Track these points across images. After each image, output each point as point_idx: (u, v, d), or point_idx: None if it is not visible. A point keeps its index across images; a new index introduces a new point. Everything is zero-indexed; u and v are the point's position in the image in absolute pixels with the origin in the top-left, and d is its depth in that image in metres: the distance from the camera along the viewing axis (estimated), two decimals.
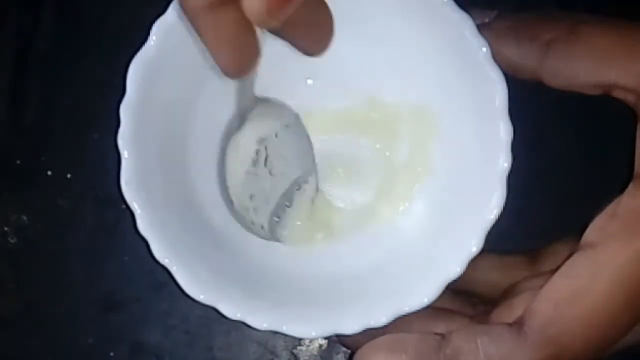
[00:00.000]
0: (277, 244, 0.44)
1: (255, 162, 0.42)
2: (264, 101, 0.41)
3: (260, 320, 0.40)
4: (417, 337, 0.39)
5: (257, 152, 0.42)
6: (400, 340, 0.39)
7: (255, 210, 0.43)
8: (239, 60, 0.32)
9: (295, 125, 0.43)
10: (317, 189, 0.44)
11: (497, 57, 0.39)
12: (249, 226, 0.43)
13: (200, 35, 0.31)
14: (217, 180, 0.42)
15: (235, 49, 0.31)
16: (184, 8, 0.30)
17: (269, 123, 0.42)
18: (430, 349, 0.38)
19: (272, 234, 0.44)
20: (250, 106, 0.41)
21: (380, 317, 0.39)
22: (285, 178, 0.44)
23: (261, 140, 0.42)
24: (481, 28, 0.39)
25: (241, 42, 0.31)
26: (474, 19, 0.39)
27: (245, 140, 0.42)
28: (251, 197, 0.42)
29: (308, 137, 0.44)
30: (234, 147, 0.41)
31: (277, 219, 0.44)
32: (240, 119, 0.41)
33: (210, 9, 0.30)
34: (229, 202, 0.42)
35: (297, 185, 0.44)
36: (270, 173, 0.43)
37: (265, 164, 0.42)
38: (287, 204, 0.44)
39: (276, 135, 0.42)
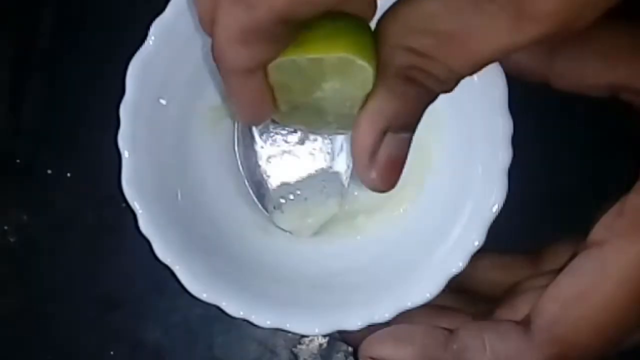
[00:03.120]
0: (279, 241, 0.44)
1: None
2: None
3: (263, 318, 0.40)
4: (424, 329, 0.39)
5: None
6: (407, 332, 0.39)
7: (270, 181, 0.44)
8: (258, 116, 0.35)
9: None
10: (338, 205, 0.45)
11: (504, 61, 0.39)
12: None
13: (227, 90, 0.34)
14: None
15: (256, 107, 0.34)
16: (219, 67, 0.33)
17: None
18: (437, 342, 0.38)
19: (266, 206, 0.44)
20: None
21: (383, 313, 0.39)
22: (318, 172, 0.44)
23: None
24: None
25: (262, 103, 0.34)
26: None
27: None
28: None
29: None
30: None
31: (283, 201, 0.44)
32: None
33: (243, 73, 0.32)
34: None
35: (323, 184, 0.44)
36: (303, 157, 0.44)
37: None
38: (304, 194, 0.44)
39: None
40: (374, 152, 0.32)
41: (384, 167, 0.32)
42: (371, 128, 0.31)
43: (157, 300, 0.50)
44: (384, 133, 0.31)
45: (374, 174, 0.32)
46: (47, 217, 0.50)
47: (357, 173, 0.33)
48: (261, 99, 0.34)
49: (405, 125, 0.32)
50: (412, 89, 0.32)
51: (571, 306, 0.36)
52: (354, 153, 0.32)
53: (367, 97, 0.32)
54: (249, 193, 0.45)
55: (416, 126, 0.33)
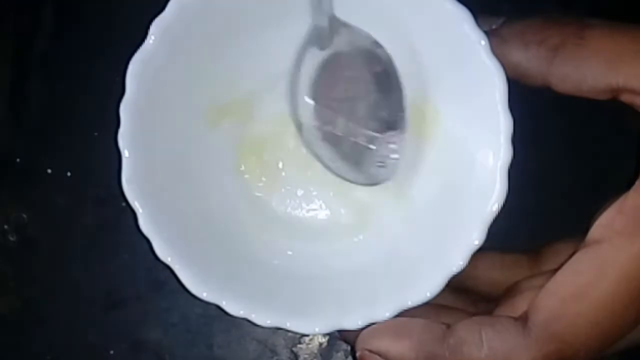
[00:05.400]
0: (280, 240, 0.44)
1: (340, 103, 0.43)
2: (347, 27, 0.41)
3: (263, 317, 0.40)
4: (421, 323, 0.39)
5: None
6: (405, 326, 0.39)
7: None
8: None
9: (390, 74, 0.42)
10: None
11: (505, 63, 0.39)
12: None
13: None
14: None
15: None
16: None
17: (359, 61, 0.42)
18: (434, 336, 0.38)
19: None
20: (329, 29, 0.41)
21: (383, 312, 0.39)
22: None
23: (349, 79, 0.43)
24: (488, 34, 0.39)
25: None
26: (480, 26, 0.39)
27: (332, 68, 0.42)
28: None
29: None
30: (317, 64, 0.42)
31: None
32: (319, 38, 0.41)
33: None
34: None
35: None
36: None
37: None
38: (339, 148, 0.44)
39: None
40: None
41: None
42: None
43: (157, 300, 0.50)
44: None
45: None
46: (47, 217, 0.50)
47: None
48: None
49: None
50: None
51: (569, 303, 0.36)
52: None
53: None
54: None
55: None
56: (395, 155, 0.42)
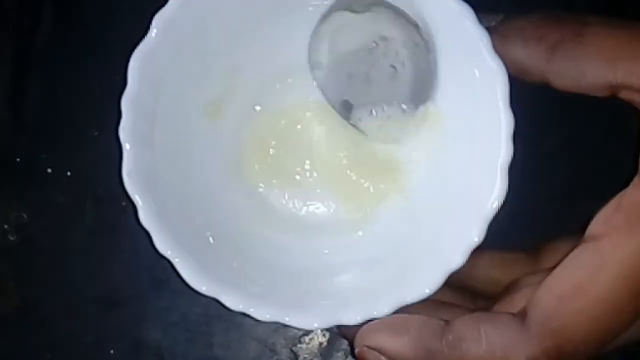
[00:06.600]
0: (280, 235, 0.44)
1: (369, 52, 0.43)
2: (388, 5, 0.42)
3: (262, 311, 0.39)
4: (420, 319, 0.39)
5: (375, 44, 0.43)
6: (404, 322, 0.39)
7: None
8: None
9: (424, 50, 0.42)
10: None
11: (504, 60, 0.39)
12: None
13: None
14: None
15: None
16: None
17: (397, 29, 0.43)
18: (432, 332, 0.38)
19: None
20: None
21: (382, 308, 0.39)
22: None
23: (383, 38, 0.43)
24: (488, 31, 0.39)
25: None
26: (480, 22, 0.39)
27: (364, 24, 0.43)
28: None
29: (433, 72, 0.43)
30: (346, 22, 0.42)
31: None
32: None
33: None
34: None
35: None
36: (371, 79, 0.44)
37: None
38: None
39: (404, 47, 0.43)
40: None
41: None
42: None
43: (157, 299, 0.50)
44: None
45: None
46: (47, 217, 0.50)
47: None
48: None
49: None
50: None
51: (568, 299, 0.36)
52: None
53: None
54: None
55: None
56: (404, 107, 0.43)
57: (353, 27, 0.43)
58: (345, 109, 0.44)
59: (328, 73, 0.44)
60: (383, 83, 0.44)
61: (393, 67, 0.43)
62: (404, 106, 0.43)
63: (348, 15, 0.42)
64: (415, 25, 0.41)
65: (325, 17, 0.42)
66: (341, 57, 0.44)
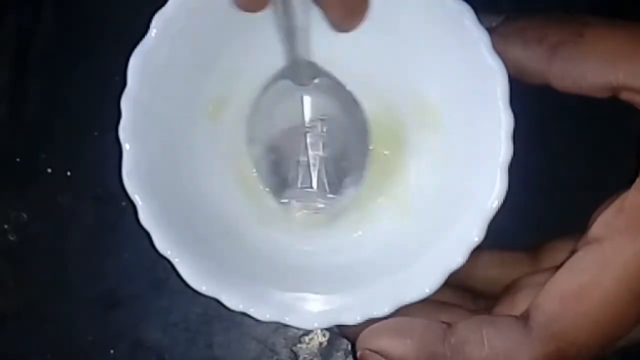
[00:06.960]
0: (280, 236, 0.44)
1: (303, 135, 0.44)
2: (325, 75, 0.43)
3: (262, 311, 0.39)
4: (422, 323, 0.39)
5: (313, 126, 0.44)
6: (405, 325, 0.39)
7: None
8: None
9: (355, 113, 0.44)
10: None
11: (504, 61, 0.39)
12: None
13: None
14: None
15: None
16: None
17: (331, 103, 0.44)
18: (435, 336, 0.38)
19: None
20: (307, 74, 0.42)
21: (382, 308, 0.39)
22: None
23: (319, 119, 0.44)
24: (489, 32, 0.39)
25: None
26: (481, 23, 0.39)
27: (304, 99, 0.44)
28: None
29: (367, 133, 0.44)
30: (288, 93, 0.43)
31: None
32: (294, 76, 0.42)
33: None
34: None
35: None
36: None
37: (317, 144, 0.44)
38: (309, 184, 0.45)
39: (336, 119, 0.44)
40: None
41: None
42: None
43: (157, 299, 0.50)
44: None
45: None
46: (47, 216, 0.50)
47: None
48: None
49: None
50: None
51: (570, 302, 0.36)
52: None
53: None
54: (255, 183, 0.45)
55: None
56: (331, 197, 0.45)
57: (293, 102, 0.44)
58: (279, 189, 0.45)
59: (263, 151, 0.45)
60: (311, 168, 0.45)
61: (324, 154, 0.45)
62: (330, 195, 0.45)
63: (290, 86, 0.43)
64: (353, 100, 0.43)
65: (267, 87, 0.43)
66: (277, 137, 0.45)
